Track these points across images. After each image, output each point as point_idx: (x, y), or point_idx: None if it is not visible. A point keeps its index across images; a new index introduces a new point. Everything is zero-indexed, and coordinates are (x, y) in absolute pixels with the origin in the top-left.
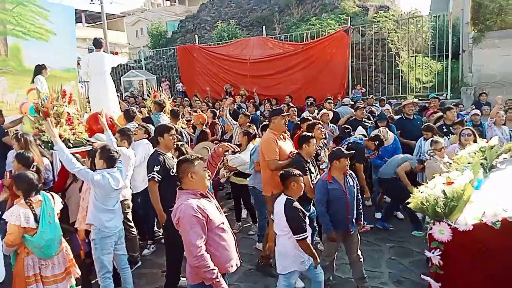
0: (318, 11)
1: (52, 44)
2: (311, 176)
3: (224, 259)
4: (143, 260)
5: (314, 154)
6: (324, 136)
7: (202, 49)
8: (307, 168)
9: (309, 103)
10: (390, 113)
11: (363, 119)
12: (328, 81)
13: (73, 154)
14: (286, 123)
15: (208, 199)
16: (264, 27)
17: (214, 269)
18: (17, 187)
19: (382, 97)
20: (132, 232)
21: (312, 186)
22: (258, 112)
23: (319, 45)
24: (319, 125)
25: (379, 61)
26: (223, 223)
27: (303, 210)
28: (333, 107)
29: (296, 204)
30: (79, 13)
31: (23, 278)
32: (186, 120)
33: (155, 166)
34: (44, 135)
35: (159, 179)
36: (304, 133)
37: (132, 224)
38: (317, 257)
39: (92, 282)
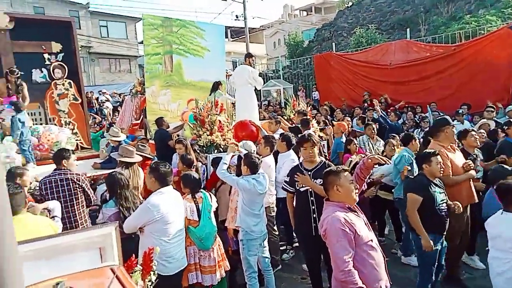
0: (473, 8)
1: (206, 59)
2: (436, 201)
3: (372, 278)
4: (282, 264)
5: (439, 175)
6: (477, 145)
7: (339, 57)
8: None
9: (459, 111)
10: None
11: None
12: (487, 85)
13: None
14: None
15: (356, 213)
16: (408, 29)
17: (363, 287)
18: (185, 185)
19: None
20: (275, 236)
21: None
22: (400, 121)
23: (476, 45)
24: (473, 132)
25: None
26: (371, 240)
27: None
28: (495, 116)
29: None
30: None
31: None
32: (320, 128)
33: (286, 177)
34: (200, 140)
35: (292, 190)
36: (425, 151)
37: (275, 228)
38: None
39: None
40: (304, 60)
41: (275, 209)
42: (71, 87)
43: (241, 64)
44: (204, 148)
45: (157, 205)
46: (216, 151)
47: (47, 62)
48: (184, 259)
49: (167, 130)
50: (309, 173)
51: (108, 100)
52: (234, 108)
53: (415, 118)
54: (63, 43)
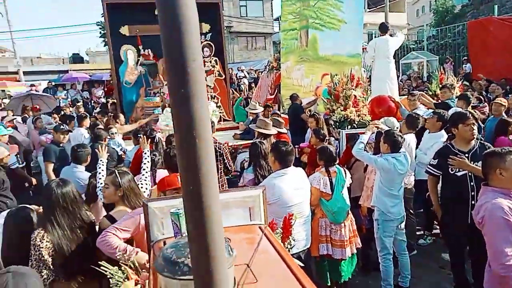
0: None
1: (342, 32)
2: None
3: None
4: (418, 249)
5: None
6: None
7: (503, 22)
8: None
9: None
10: None
11: None
12: None
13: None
14: None
15: None
16: None
17: None
18: (320, 158)
19: None
20: (412, 219)
21: None
22: None
23: None
24: None
25: None
26: None
27: None
28: None
29: None
30: None
31: (317, 235)
32: (472, 106)
33: (432, 160)
34: (334, 115)
35: (438, 174)
36: None
37: (412, 211)
38: None
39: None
40: (454, 28)
41: (413, 190)
42: (216, 64)
43: (379, 36)
44: (338, 124)
45: (277, 187)
46: (350, 126)
47: None
48: (307, 239)
49: (301, 104)
50: (466, 155)
51: (245, 77)
52: (369, 83)
53: None
54: (211, 24)
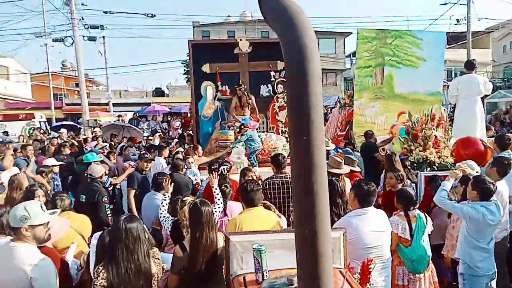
0: None
1: (420, 70)
2: None
3: None
4: None
5: None
6: None
7: None
8: None
9: None
10: None
11: None
12: None
13: None
14: None
15: None
16: None
17: None
18: (398, 201)
19: None
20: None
21: None
22: None
23: None
24: None
25: None
26: None
27: None
28: None
29: None
30: None
31: (394, 284)
32: None
33: None
34: (411, 155)
35: None
36: None
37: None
38: None
39: None
40: None
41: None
42: None
43: (465, 73)
44: (415, 165)
45: (355, 226)
46: (429, 168)
47: (272, 79)
48: (388, 286)
49: (375, 143)
50: None
51: None
52: (451, 122)
53: None
54: None
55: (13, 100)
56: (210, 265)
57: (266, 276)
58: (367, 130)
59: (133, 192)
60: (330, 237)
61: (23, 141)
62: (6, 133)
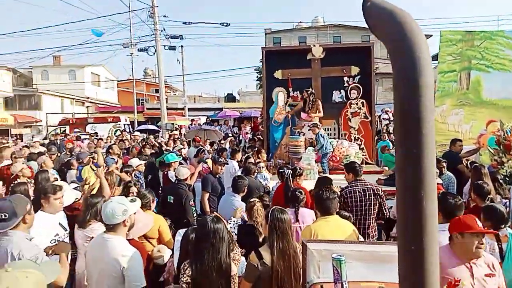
0: None
1: None
2: None
3: None
4: None
5: None
6: None
7: None
8: None
9: None
10: None
11: None
12: None
13: None
14: None
15: None
16: None
17: None
18: (487, 218)
19: None
20: None
21: None
22: None
23: None
24: None
25: None
26: None
27: None
28: None
29: None
30: None
31: None
32: None
33: None
34: (503, 168)
35: None
36: None
37: None
38: None
39: None
40: None
41: None
42: (363, 106)
43: None
44: (507, 179)
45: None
46: None
47: (345, 84)
48: None
49: (459, 153)
50: None
51: (389, 119)
52: None
53: None
54: (360, 66)
55: (102, 104)
56: (289, 275)
57: (346, 287)
58: (454, 138)
59: (207, 195)
60: (437, 256)
61: (110, 142)
62: (96, 134)
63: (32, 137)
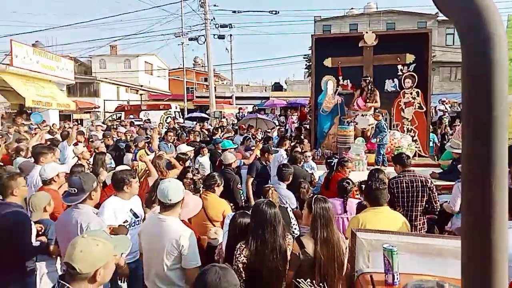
0: None
1: None
2: None
3: None
4: None
5: None
6: None
7: None
8: None
9: None
10: None
11: None
12: None
13: None
14: None
15: None
16: None
17: None
18: None
19: None
20: None
21: None
22: None
23: None
24: None
25: None
26: None
27: None
28: None
29: None
30: None
31: None
32: None
33: None
34: None
35: None
36: None
37: None
38: None
39: None
40: None
41: None
42: (418, 96)
43: None
44: None
45: None
46: None
47: (399, 73)
48: None
49: None
50: None
51: (445, 110)
52: None
53: None
54: (416, 54)
55: (154, 92)
56: (331, 263)
57: (397, 278)
58: None
59: (251, 179)
60: (506, 252)
61: (162, 128)
62: (149, 120)
63: (92, 122)
